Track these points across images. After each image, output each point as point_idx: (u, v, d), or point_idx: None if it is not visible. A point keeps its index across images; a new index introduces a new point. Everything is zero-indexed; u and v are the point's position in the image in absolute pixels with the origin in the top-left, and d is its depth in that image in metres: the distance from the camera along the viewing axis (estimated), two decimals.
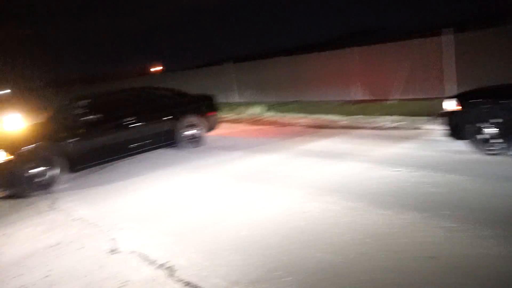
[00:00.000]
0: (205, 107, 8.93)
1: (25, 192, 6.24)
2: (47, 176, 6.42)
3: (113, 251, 3.91)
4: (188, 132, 8.35)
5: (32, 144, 6.36)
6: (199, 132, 8.53)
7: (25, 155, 6.22)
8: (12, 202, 6.19)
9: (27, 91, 49.15)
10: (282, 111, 13.37)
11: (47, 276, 3.58)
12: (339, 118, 10.51)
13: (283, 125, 10.90)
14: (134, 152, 7.59)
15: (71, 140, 6.71)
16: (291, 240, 3.64)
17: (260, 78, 18.22)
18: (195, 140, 8.46)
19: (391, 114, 10.06)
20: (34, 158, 6.29)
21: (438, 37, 11.15)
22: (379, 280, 2.90)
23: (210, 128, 8.97)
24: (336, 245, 3.44)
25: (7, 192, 6.25)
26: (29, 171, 6.24)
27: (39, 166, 6.34)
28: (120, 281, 3.30)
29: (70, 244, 4.21)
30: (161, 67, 38.65)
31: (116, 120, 7.37)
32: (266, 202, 4.71)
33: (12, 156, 6.11)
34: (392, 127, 8.69)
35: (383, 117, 9.90)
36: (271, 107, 14.77)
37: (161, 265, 3.49)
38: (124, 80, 27.19)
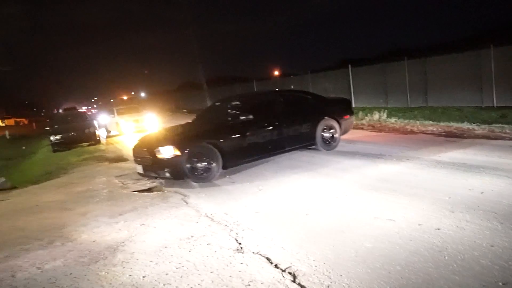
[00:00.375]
0: (341, 110, 9.03)
1: (191, 180, 7.04)
2: (207, 170, 7.07)
3: (238, 250, 4.09)
4: (326, 134, 8.54)
5: (195, 141, 7.13)
6: (335, 135, 8.65)
7: (190, 152, 6.94)
8: (149, 196, 6.89)
9: (160, 93, 54.75)
10: (406, 117, 12.61)
11: (178, 268, 3.88)
12: (474, 127, 9.53)
13: (408, 132, 10.27)
14: (278, 152, 8.01)
15: (226, 139, 7.27)
16: (422, 258, 3.38)
17: (379, 82, 17.52)
18: (331, 143, 8.60)
19: None
20: (197, 154, 6.98)
21: None
22: None
23: (345, 131, 9.10)
24: (476, 270, 3.10)
25: (161, 179, 7.26)
26: (194, 165, 6.96)
27: (201, 162, 7.01)
28: (245, 281, 3.42)
29: (199, 239, 4.51)
30: (278, 72, 39.69)
31: (264, 120, 7.76)
32: (393, 214, 4.46)
33: (179, 152, 6.85)
34: None
35: None
36: (393, 112, 14.06)
37: (284, 269, 3.53)
38: (250, 83, 28.42)
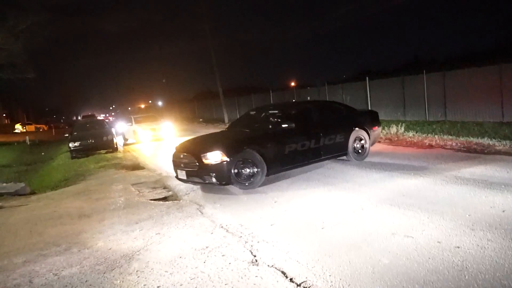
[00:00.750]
0: (370, 121, 9.21)
1: (238, 185, 7.10)
2: (251, 177, 7.16)
3: (252, 262, 4.06)
4: (357, 145, 8.72)
5: (241, 147, 7.16)
6: (365, 145, 8.82)
7: (237, 157, 7.03)
8: (164, 204, 6.93)
9: (177, 102, 55.32)
10: (424, 131, 12.44)
11: (193, 279, 3.86)
12: (495, 142, 9.34)
13: (426, 146, 10.13)
14: (315, 160, 8.13)
15: (269, 146, 7.38)
16: (441, 277, 3.30)
17: (397, 95, 17.36)
18: (361, 153, 8.79)
19: None
20: (243, 160, 7.09)
21: None
22: None
23: (373, 142, 9.29)
24: None
25: (205, 182, 7.19)
26: (239, 171, 7.06)
27: (246, 168, 7.12)
28: None
29: (214, 250, 4.50)
30: (295, 83, 39.78)
31: (303, 129, 7.91)
32: (411, 230, 4.38)
33: (227, 158, 6.92)
34: None
35: None
36: (410, 126, 13.90)
37: (299, 284, 3.49)
38: (266, 93, 28.53)
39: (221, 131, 9.40)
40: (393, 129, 12.92)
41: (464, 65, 15.32)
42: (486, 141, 9.62)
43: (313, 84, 28.12)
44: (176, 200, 7.16)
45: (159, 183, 8.94)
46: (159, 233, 5.37)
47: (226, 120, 29.35)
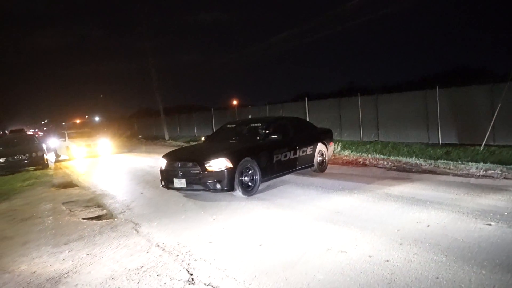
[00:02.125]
0: (327, 138, 10.01)
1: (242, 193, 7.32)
2: (251, 183, 7.49)
3: (189, 281, 3.97)
4: (319, 158, 9.46)
5: (243, 156, 7.39)
6: (325, 159, 9.67)
7: (241, 165, 7.26)
8: (97, 224, 6.60)
9: (116, 119, 53.48)
10: (359, 151, 13.03)
11: None
12: (421, 162, 9.99)
13: (361, 165, 10.60)
14: (292, 170, 8.68)
15: (262, 155, 7.75)
16: None
17: (334, 116, 18.10)
18: (322, 166, 9.57)
19: (479, 161, 9.38)
20: (245, 167, 7.36)
21: None
22: None
23: (329, 156, 10.01)
24: None
25: (209, 191, 7.36)
26: (242, 178, 7.31)
27: (247, 175, 7.42)
28: None
29: (149, 270, 4.34)
30: (236, 102, 40.23)
31: (285, 142, 8.42)
32: (344, 246, 4.52)
33: (231, 165, 7.09)
34: (481, 175, 8.07)
35: (470, 163, 9.27)
36: (346, 145, 14.50)
37: None
38: (208, 112, 28.51)
39: (202, 142, 9.62)
40: None
41: (395, 91, 16.37)
42: (413, 160, 10.27)
43: (254, 103, 28.54)
44: (110, 218, 6.85)
45: (93, 201, 8.52)
46: (90, 254, 5.09)
47: (167, 137, 28.81)
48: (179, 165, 7.52)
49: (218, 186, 7.07)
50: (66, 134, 20.29)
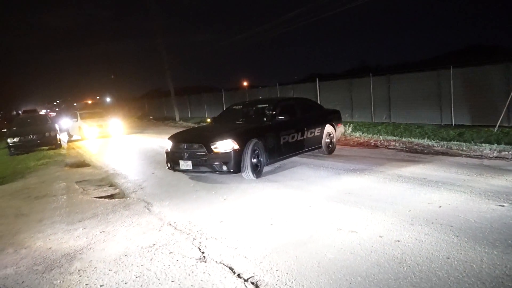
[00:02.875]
0: (336, 119, 9.85)
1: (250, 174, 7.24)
2: (258, 165, 7.42)
3: (200, 259, 4.03)
4: (327, 140, 9.37)
5: (249, 137, 7.29)
6: (333, 140, 9.57)
7: (247, 147, 7.14)
8: (110, 202, 6.70)
9: (127, 99, 53.70)
10: (370, 132, 12.94)
11: (138, 277, 3.77)
12: (434, 143, 9.89)
13: (372, 146, 10.54)
14: (299, 152, 8.62)
15: (269, 136, 7.66)
16: (382, 270, 3.44)
17: (345, 97, 17.92)
18: (330, 147, 9.47)
19: (492, 143, 9.26)
20: (253, 149, 7.25)
21: None
22: None
23: (337, 138, 9.88)
24: (433, 282, 3.18)
25: (216, 173, 7.27)
26: (250, 160, 7.19)
27: (255, 156, 7.34)
28: None
29: (161, 248, 4.42)
30: (247, 83, 40.05)
31: (292, 123, 8.33)
32: (356, 226, 4.54)
33: (238, 146, 7.02)
34: (494, 157, 7.97)
35: (484, 145, 9.15)
36: (357, 127, 14.40)
37: (246, 279, 3.50)
38: (218, 93, 28.45)
39: (209, 124, 9.51)
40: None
41: (407, 71, 16.10)
42: (426, 142, 10.17)
43: (265, 84, 28.38)
44: (123, 198, 6.95)
45: (105, 180, 8.64)
46: (103, 232, 5.18)
47: (177, 118, 28.89)
48: (185, 147, 7.43)
49: (225, 168, 7.00)
50: (78, 115, 20.48)
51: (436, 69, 14.48)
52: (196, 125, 19.81)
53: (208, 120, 9.82)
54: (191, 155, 7.29)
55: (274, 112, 8.19)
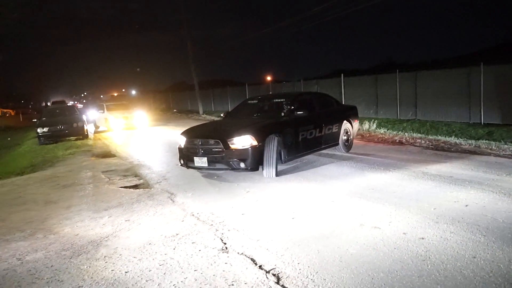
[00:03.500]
0: (353, 115, 9.52)
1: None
2: (278, 161, 7.14)
3: (222, 250, 4.07)
4: (344, 137, 9.04)
5: (268, 132, 7.00)
6: (350, 137, 9.15)
7: (266, 143, 6.88)
8: (135, 192, 6.83)
9: (151, 92, 54.44)
10: (395, 129, 12.73)
11: (161, 265, 3.84)
12: (461, 141, 9.66)
13: (396, 143, 10.37)
14: (317, 149, 8.32)
15: (287, 132, 7.35)
16: (405, 266, 3.40)
17: (370, 93, 17.65)
18: (347, 145, 9.13)
19: None
20: (272, 145, 6.96)
21: None
22: None
23: (354, 135, 9.57)
24: (458, 280, 3.13)
25: (233, 170, 6.99)
26: (273, 156, 6.93)
27: (274, 153, 7.01)
28: (228, 281, 3.40)
29: (184, 238, 4.48)
30: (270, 78, 40.01)
31: (310, 118, 8.00)
32: (379, 222, 4.49)
33: (256, 143, 6.76)
34: None
35: None
36: (382, 123, 14.19)
37: (268, 271, 3.52)
38: (242, 87, 28.55)
39: (222, 119, 9.13)
40: (366, 125, 13.14)
41: (435, 67, 15.72)
42: (453, 140, 9.94)
43: (289, 79, 28.28)
44: (147, 188, 7.07)
45: (130, 171, 8.81)
46: (128, 220, 5.30)
47: (201, 111, 29.12)
48: (200, 143, 7.09)
49: (242, 165, 6.69)
50: (105, 106, 20.89)
51: (466, 66, 14.08)
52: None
53: (222, 114, 9.44)
54: (206, 151, 6.98)
55: (292, 107, 7.91)
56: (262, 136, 6.87)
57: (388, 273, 3.31)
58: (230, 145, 6.76)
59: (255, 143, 6.75)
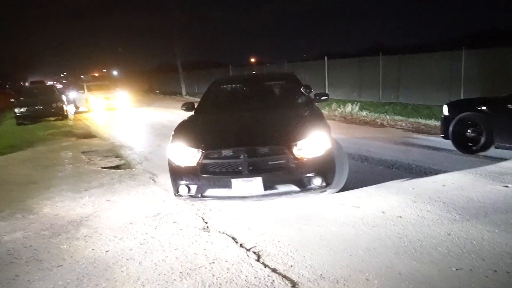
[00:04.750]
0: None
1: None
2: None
3: (204, 229, 4.09)
4: None
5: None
6: None
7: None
8: (116, 173, 6.77)
9: (134, 73, 53.55)
10: (377, 112, 12.85)
11: (143, 244, 3.85)
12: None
13: (378, 125, 10.50)
14: None
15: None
16: (383, 244, 3.48)
17: (354, 76, 17.73)
18: None
19: None
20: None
21: None
22: None
23: None
24: (433, 256, 3.22)
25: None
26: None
27: None
28: (210, 259, 3.43)
29: (165, 217, 4.49)
30: (255, 59, 39.74)
31: None
32: (359, 201, 4.57)
33: (331, 145, 4.53)
34: None
35: None
36: (365, 106, 14.30)
37: (248, 249, 3.56)
38: (225, 68, 28.32)
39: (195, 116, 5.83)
40: (348, 108, 13.23)
41: (419, 51, 15.84)
42: (433, 122, 10.10)
43: (273, 61, 28.15)
44: (128, 168, 7.02)
45: (112, 151, 8.72)
46: (109, 200, 5.27)
47: (184, 93, 28.84)
48: (246, 155, 4.22)
49: (320, 182, 4.29)
50: (85, 87, 20.49)
51: (448, 50, 14.22)
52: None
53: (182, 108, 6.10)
54: (256, 166, 4.25)
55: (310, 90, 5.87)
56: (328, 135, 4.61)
57: (366, 250, 3.39)
58: (298, 153, 4.30)
59: (330, 145, 4.52)
